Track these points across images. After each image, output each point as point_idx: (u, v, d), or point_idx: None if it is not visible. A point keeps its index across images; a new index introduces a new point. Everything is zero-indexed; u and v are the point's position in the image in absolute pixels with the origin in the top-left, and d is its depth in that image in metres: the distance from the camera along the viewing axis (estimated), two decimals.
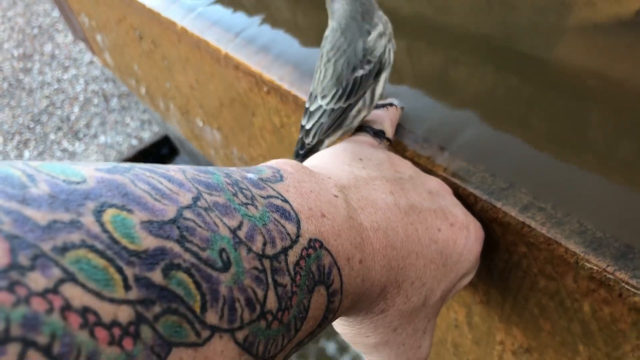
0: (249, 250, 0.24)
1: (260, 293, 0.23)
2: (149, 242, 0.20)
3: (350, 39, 0.40)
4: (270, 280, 0.24)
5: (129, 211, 0.20)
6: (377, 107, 0.46)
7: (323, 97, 0.41)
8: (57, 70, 3.51)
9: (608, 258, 0.33)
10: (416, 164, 0.44)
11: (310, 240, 0.27)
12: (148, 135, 2.75)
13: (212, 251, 0.22)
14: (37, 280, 0.17)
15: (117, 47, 1.23)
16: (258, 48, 0.63)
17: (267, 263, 0.24)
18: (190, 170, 0.26)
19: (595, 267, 0.33)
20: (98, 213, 0.20)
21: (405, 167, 0.40)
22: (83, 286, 0.18)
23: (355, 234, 0.30)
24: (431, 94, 0.50)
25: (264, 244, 0.24)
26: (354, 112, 0.42)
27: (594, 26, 0.58)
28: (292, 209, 0.28)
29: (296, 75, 0.57)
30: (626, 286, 0.32)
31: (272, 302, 0.24)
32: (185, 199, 0.23)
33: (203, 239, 0.22)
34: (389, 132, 0.44)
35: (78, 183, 0.20)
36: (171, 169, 0.25)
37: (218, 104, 0.81)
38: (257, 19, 0.69)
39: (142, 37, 0.97)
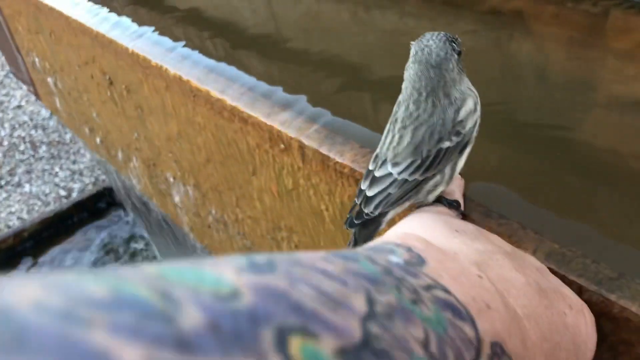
0: None
1: None
2: None
3: (433, 108, 0.35)
4: None
5: (315, 337, 0.15)
6: None
7: (395, 164, 0.36)
8: None
9: None
10: None
11: (491, 344, 0.21)
12: (78, 187, 2.58)
13: None
14: None
15: (73, 91, 1.13)
16: (274, 102, 0.56)
17: None
18: (332, 257, 0.20)
19: None
20: (281, 347, 0.14)
21: (501, 241, 0.34)
22: None
23: (516, 327, 0.24)
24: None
25: None
26: (429, 186, 0.36)
27: (616, 104, 0.55)
28: (459, 302, 0.21)
29: (325, 133, 0.50)
30: None
31: None
32: (360, 303, 0.17)
33: None
34: (462, 204, 0.39)
35: (232, 298, 0.14)
36: (314, 257, 0.19)
37: (203, 159, 0.73)
38: (271, 70, 0.63)
39: (113, 82, 0.89)
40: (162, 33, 0.77)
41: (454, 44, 0.35)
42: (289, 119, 0.53)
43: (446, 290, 0.22)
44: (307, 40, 0.76)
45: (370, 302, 0.17)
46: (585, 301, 0.34)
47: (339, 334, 0.15)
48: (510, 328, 0.23)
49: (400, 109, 0.36)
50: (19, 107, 3.30)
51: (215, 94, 0.61)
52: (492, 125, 0.51)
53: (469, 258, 0.27)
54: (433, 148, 0.35)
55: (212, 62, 0.66)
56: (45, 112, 3.26)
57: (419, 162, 0.35)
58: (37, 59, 1.29)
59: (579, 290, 0.34)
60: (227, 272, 0.16)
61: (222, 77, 0.63)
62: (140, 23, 0.83)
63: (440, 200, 0.38)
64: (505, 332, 0.23)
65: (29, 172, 2.83)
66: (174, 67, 0.67)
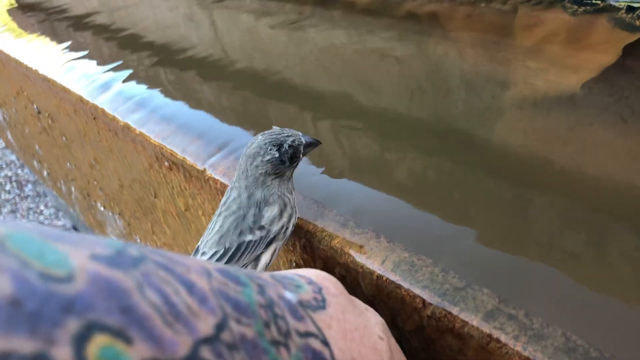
0: None
1: None
2: None
3: (240, 200, 0.35)
4: None
5: (128, 341, 0.14)
6: None
7: (203, 253, 0.35)
8: None
9: None
10: (345, 254, 0.34)
11: None
12: (61, 224, 2.55)
13: None
14: None
15: (17, 124, 1.11)
16: (160, 118, 0.53)
17: None
18: (217, 274, 0.19)
19: None
20: (80, 340, 0.13)
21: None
22: None
23: None
24: (363, 178, 0.42)
25: None
26: None
27: (533, 105, 0.51)
28: (332, 356, 0.21)
29: (200, 144, 0.47)
30: None
31: None
32: (206, 326, 0.17)
33: None
34: None
35: (61, 281, 0.14)
36: (194, 268, 0.19)
37: (118, 185, 0.70)
38: (157, 90, 0.60)
39: (40, 111, 0.86)
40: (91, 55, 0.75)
41: (280, 149, 0.34)
42: (170, 133, 0.50)
43: (325, 342, 0.21)
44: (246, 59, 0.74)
45: (220, 327, 0.17)
46: (429, 315, 0.30)
47: (159, 347, 0.15)
48: None
49: (224, 197, 0.36)
50: (7, 147, 3.30)
51: (108, 112, 0.57)
52: (404, 135, 0.48)
53: (377, 318, 0.27)
54: (235, 241, 0.34)
55: (117, 84, 0.63)
56: None
57: (221, 252, 0.35)
58: None
59: (423, 304, 0.30)
60: (78, 255, 0.15)
61: (116, 96, 0.60)
62: (77, 48, 0.81)
63: None
64: None
65: (13, 211, 2.80)
66: (76, 88, 0.64)
